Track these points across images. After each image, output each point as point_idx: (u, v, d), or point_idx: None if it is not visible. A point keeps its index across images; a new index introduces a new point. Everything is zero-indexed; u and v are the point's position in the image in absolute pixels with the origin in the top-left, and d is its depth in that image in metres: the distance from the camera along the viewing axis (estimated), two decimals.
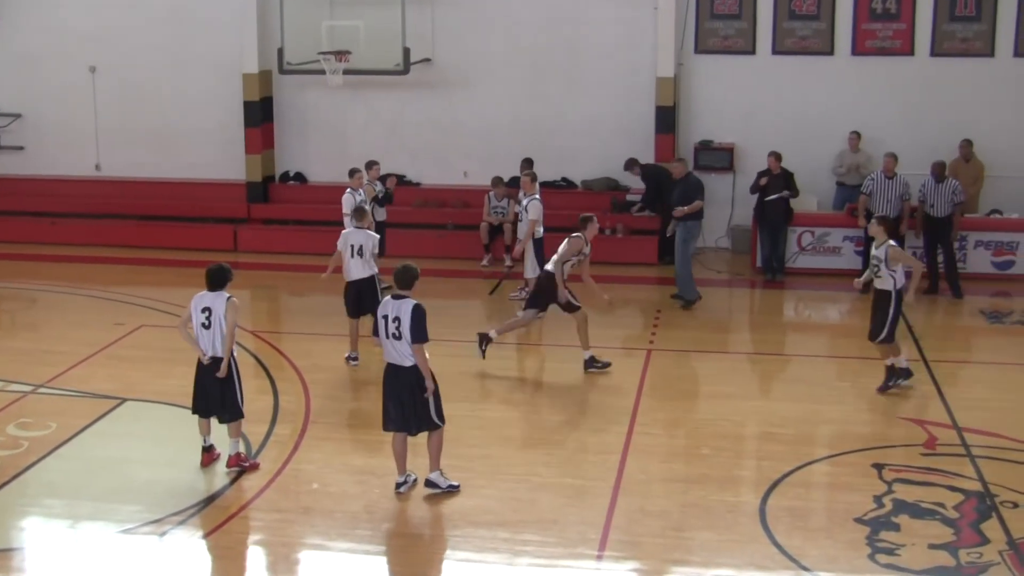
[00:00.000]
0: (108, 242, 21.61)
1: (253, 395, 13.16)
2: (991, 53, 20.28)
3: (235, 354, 11.56)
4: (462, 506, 10.99)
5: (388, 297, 11.00)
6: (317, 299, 18.16)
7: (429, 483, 11.17)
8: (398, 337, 10.74)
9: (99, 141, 23.08)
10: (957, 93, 20.35)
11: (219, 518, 10.65)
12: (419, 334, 10.73)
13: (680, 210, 17.28)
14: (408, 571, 10.09)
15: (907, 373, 13.95)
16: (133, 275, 19.73)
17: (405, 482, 11.20)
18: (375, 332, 10.99)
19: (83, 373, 14.59)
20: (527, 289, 17.31)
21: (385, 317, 10.82)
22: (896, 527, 10.41)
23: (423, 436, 11.13)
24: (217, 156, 22.57)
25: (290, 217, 22.11)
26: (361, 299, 14.92)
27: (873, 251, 13.74)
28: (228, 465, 11.64)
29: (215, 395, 11.54)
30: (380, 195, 18.30)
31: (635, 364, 15.08)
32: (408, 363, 10.79)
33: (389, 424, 11.11)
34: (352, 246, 14.82)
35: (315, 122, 22.46)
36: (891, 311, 13.54)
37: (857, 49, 20.61)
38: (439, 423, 11.04)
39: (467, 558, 10.18)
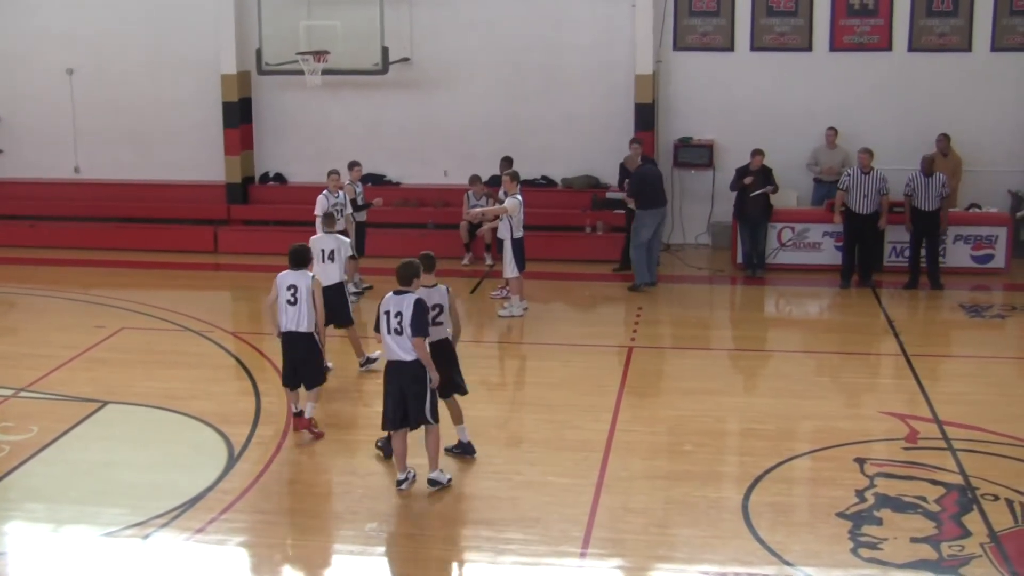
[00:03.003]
0: (87, 244, 21.51)
1: (236, 396, 13.13)
2: (968, 48, 20.36)
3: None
4: (445, 505, 10.99)
5: (390, 293, 11.02)
6: None
7: (432, 482, 11.18)
8: (399, 332, 10.83)
9: (77, 143, 22.99)
10: (935, 88, 20.42)
11: (202, 520, 10.61)
12: (419, 327, 10.82)
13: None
14: (391, 571, 10.08)
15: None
16: (113, 277, 19.64)
17: (406, 479, 11.19)
18: (376, 328, 11.07)
19: (64, 376, 14.53)
20: (507, 288, 17.31)
21: (387, 313, 10.90)
22: (878, 521, 10.44)
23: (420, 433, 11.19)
24: (196, 157, 22.48)
25: (270, 218, 22.02)
26: (329, 305, 14.66)
27: None
28: (298, 428, 12.44)
29: (303, 366, 12.40)
30: (360, 199, 18.29)
31: (617, 361, 15.11)
32: (409, 357, 10.87)
33: (387, 424, 11.16)
34: (323, 251, 14.60)
35: (294, 122, 22.41)
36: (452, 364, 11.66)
37: (835, 45, 20.66)
38: (432, 421, 11.08)
39: (450, 557, 10.19)
